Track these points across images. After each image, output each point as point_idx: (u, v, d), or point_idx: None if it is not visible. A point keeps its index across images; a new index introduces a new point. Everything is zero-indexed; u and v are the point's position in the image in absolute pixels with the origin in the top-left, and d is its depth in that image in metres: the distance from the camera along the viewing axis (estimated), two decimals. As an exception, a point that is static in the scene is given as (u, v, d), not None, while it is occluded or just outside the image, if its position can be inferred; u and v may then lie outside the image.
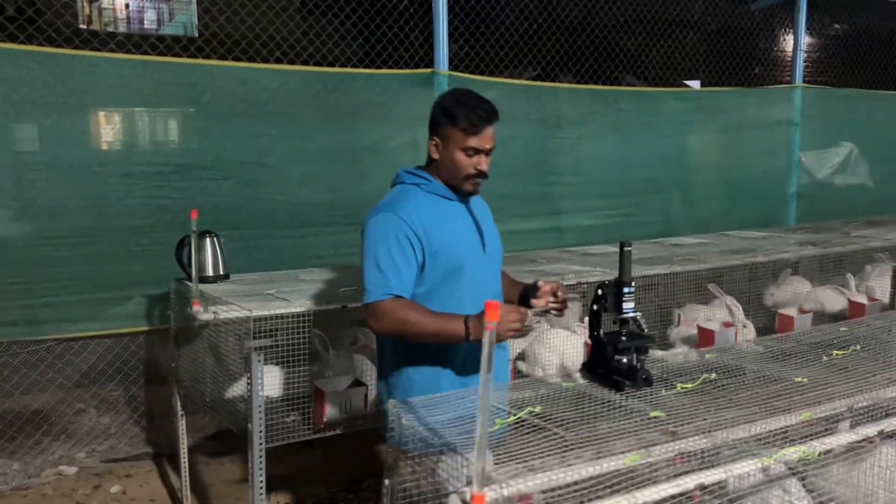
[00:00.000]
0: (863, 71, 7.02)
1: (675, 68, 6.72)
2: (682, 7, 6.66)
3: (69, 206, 3.72)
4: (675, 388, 2.00)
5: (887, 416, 1.95)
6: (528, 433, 1.71)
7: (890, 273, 4.39)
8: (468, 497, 1.41)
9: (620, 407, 1.87)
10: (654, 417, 1.79)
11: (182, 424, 3.43)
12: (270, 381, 2.95)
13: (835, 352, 2.33)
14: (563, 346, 3.30)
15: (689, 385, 2.02)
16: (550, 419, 1.79)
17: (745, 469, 1.63)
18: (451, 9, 4.56)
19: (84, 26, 4.63)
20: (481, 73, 5.02)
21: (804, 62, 6.10)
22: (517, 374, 3.36)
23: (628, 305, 2.00)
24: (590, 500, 1.50)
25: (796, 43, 5.99)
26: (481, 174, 2.24)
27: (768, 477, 1.96)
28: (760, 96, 6.05)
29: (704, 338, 3.60)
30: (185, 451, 3.46)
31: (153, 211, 3.87)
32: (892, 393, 1.99)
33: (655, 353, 3.58)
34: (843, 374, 2.12)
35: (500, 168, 2.62)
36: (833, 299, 4.20)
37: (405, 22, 4.76)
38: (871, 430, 1.85)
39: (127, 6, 4.18)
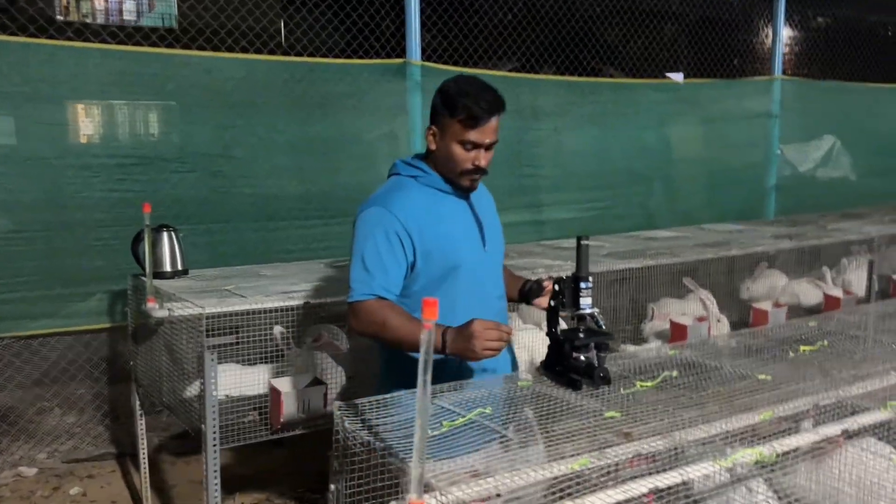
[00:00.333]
0: (843, 64, 6.98)
1: (654, 60, 6.66)
2: (661, -2, 6.61)
3: (25, 199, 3.64)
4: (635, 386, 1.93)
5: (853, 413, 1.90)
6: (475, 436, 1.63)
7: (866, 266, 4.36)
8: (406, 505, 1.34)
9: (576, 407, 1.80)
10: (610, 417, 1.72)
11: (142, 424, 3.33)
12: (229, 380, 2.86)
13: (802, 347, 2.27)
14: (531, 342, 3.23)
15: (649, 383, 1.95)
16: (502, 421, 1.71)
17: (699, 472, 1.56)
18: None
19: (61, 17, 4.52)
20: (459, 65, 4.94)
21: (784, 54, 6.06)
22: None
23: (585, 301, 1.92)
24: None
25: (775, 34, 5.94)
26: (479, 170, 2.09)
27: (733, 477, 1.90)
28: (740, 88, 6.00)
29: (677, 332, 3.55)
30: (145, 451, 3.36)
31: (114, 204, 3.78)
32: (857, 390, 1.93)
33: (628, 349, 3.58)
34: (808, 371, 2.05)
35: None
36: (809, 293, 4.16)
37: (376, 11, 4.66)
38: (834, 429, 1.78)
39: (106, -2, 4.09)
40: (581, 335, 1.92)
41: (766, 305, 3.91)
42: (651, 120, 5.62)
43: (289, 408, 2.72)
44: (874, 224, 4.82)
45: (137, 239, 3.10)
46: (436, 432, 1.61)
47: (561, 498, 1.50)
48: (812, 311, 3.99)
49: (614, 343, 3.49)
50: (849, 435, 1.85)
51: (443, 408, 1.77)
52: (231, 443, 2.73)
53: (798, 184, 6.21)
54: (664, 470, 1.58)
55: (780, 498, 1.94)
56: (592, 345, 1.93)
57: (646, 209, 5.66)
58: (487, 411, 1.75)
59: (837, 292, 4.07)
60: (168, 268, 3.16)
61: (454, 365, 2.06)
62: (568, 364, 1.93)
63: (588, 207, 5.38)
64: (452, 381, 1.98)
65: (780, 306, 3.92)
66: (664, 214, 5.62)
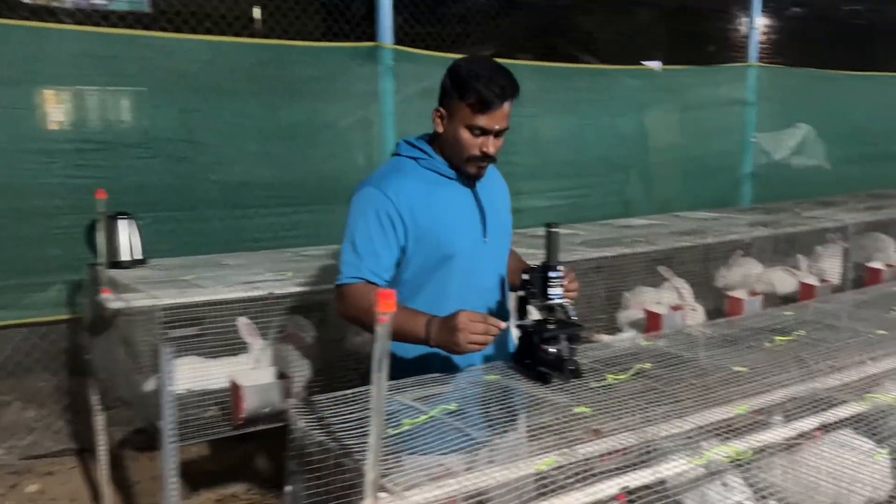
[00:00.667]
0: (819, 52, 6.96)
1: (630, 47, 6.59)
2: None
3: (-23, 186, 3.48)
4: (606, 379, 1.86)
5: (830, 406, 1.84)
6: (438, 434, 1.54)
7: (840, 254, 4.35)
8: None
9: (544, 402, 1.72)
10: (579, 413, 1.65)
11: (101, 419, 3.21)
12: (188, 374, 2.75)
13: (777, 338, 2.21)
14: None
15: (622, 376, 1.88)
16: (466, 417, 1.63)
17: (672, 471, 1.49)
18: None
19: (29, 0, 4.35)
20: (432, 49, 4.82)
21: (760, 42, 6.02)
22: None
23: (555, 291, 1.84)
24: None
25: (751, 20, 5.90)
26: (487, 157, 1.96)
27: (708, 471, 1.83)
28: (715, 75, 5.96)
29: (652, 322, 3.50)
30: (104, 447, 3.25)
31: (73, 191, 3.62)
32: (833, 382, 1.88)
33: (602, 338, 3.52)
34: (785, 362, 2.00)
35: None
36: (784, 281, 4.13)
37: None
38: (810, 422, 1.73)
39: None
40: (550, 326, 1.84)
41: (741, 294, 3.87)
42: (627, 107, 5.56)
43: (250, 403, 2.62)
44: (848, 212, 4.81)
45: (92, 227, 2.97)
46: (394, 431, 1.53)
47: (528, 501, 1.42)
48: (787, 299, 3.96)
49: (588, 333, 3.43)
50: (826, 428, 1.79)
51: (405, 405, 1.69)
52: (191, 439, 2.63)
53: (773, 171, 6.18)
54: (636, 467, 1.52)
55: (756, 492, 1.89)
56: (563, 336, 1.85)
57: (622, 197, 5.61)
58: (452, 408, 1.67)
59: (812, 280, 4.04)
60: (125, 257, 3.04)
61: (440, 359, 1.93)
62: (537, 357, 1.85)
63: (564, 195, 5.31)
64: (442, 363, 1.91)
65: (756, 295, 3.88)
66: (640, 202, 5.57)
